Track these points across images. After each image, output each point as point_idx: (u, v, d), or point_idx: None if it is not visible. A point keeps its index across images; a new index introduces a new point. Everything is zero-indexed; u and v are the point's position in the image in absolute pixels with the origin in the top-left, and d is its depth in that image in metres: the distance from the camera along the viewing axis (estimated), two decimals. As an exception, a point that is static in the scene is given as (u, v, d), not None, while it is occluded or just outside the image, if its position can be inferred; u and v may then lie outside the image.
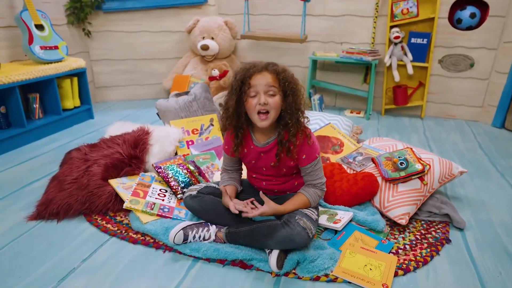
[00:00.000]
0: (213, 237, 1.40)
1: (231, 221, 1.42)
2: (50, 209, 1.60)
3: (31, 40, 2.55)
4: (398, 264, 1.32)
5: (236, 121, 1.32)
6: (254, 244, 1.35)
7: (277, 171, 1.40)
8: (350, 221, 1.55)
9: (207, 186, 1.50)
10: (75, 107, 2.90)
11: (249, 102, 1.26)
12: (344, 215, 1.55)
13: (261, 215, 1.30)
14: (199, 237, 1.39)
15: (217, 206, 1.42)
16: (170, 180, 1.72)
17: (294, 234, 1.24)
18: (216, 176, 1.88)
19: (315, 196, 1.37)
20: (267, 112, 1.26)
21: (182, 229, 1.38)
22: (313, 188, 1.38)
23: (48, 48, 2.65)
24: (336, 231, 1.50)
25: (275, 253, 1.27)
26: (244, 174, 1.57)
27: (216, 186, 1.50)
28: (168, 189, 1.75)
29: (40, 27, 2.62)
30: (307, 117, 1.33)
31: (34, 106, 2.61)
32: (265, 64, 1.27)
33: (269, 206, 1.31)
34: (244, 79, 1.25)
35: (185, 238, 1.38)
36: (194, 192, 1.46)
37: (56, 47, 2.71)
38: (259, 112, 1.26)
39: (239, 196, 1.49)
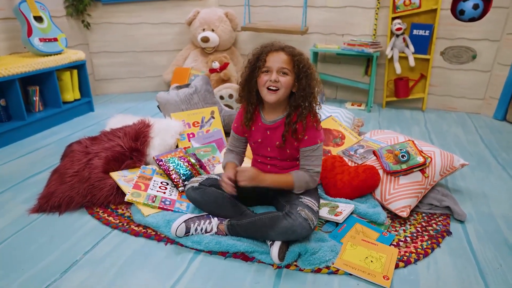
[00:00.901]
0: (215, 230, 1.41)
1: (233, 213, 1.42)
2: (51, 202, 1.60)
3: (30, 32, 2.53)
4: (399, 256, 1.33)
5: (248, 95, 1.37)
6: (256, 236, 1.36)
7: (281, 152, 1.40)
8: (351, 213, 1.55)
9: (209, 178, 1.50)
10: (75, 100, 2.89)
11: (261, 77, 1.31)
12: (345, 207, 1.55)
13: (242, 178, 1.30)
14: (201, 229, 1.40)
15: (219, 198, 1.42)
16: (171, 173, 1.72)
17: (296, 225, 1.25)
18: (217, 169, 1.88)
19: (302, 180, 1.35)
20: (277, 90, 1.30)
21: (184, 221, 1.38)
22: (303, 172, 1.37)
23: (47, 40, 2.63)
24: (337, 224, 1.50)
25: (276, 245, 1.28)
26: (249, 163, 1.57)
27: (218, 177, 1.49)
28: (169, 182, 1.75)
29: (39, 19, 2.60)
30: (319, 104, 1.36)
31: (34, 98, 2.60)
32: (283, 45, 1.31)
33: (253, 171, 1.31)
34: (260, 55, 1.30)
35: (187, 231, 1.38)
36: (196, 184, 1.46)
37: (55, 39, 2.69)
38: (268, 88, 1.30)
39: (240, 189, 1.48)
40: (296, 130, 1.33)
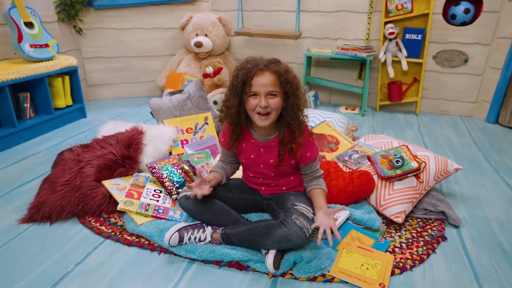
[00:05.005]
0: (208, 239, 1.39)
1: (227, 222, 1.41)
2: (42, 211, 1.57)
3: (20, 38, 2.50)
4: (394, 263, 1.32)
5: (237, 118, 1.30)
6: (251, 245, 1.34)
7: (276, 169, 1.39)
8: (347, 219, 1.54)
9: None
10: (67, 106, 2.86)
11: (249, 102, 1.25)
12: (340, 213, 1.54)
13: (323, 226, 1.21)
14: (195, 238, 1.38)
15: (212, 207, 1.41)
16: (164, 181, 1.70)
17: (291, 234, 1.23)
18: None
19: (323, 184, 1.41)
20: (268, 114, 1.25)
21: (177, 230, 1.36)
22: (320, 179, 1.41)
23: (38, 46, 2.60)
24: (332, 230, 1.49)
25: (271, 253, 1.26)
26: (239, 174, 1.56)
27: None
28: (163, 190, 1.73)
29: (29, 24, 2.57)
30: (306, 115, 1.33)
31: (25, 105, 2.56)
32: (267, 63, 1.23)
33: (324, 212, 1.26)
34: (246, 79, 1.23)
35: (181, 240, 1.36)
36: (189, 193, 1.44)
37: (46, 45, 2.66)
38: (259, 113, 1.25)
39: (233, 193, 1.48)
40: (292, 149, 1.30)
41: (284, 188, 1.45)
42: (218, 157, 2.03)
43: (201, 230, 1.39)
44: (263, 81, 1.21)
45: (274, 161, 1.36)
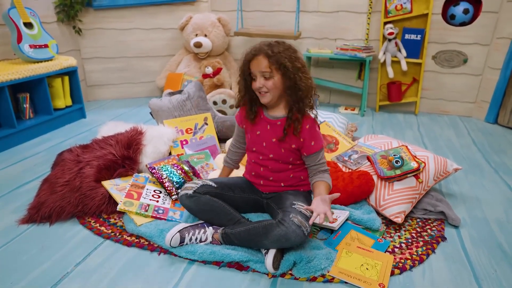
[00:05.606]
0: (210, 239, 1.39)
1: (228, 221, 1.41)
2: (42, 212, 1.57)
3: (20, 38, 2.50)
4: (394, 263, 1.33)
5: (248, 96, 1.41)
6: (250, 244, 1.35)
7: (276, 150, 1.41)
8: (346, 220, 1.54)
9: (204, 185, 1.46)
10: (66, 107, 2.86)
11: (252, 84, 1.36)
12: (340, 214, 1.54)
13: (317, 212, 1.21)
14: (196, 239, 1.38)
15: (214, 206, 1.41)
16: (164, 181, 1.70)
17: (289, 233, 1.23)
18: (212, 175, 1.86)
19: (328, 178, 1.40)
20: (267, 92, 1.34)
21: (178, 231, 1.36)
22: (325, 173, 1.41)
23: (37, 46, 2.60)
24: (332, 231, 1.49)
25: (271, 253, 1.26)
26: (241, 173, 1.56)
27: (213, 184, 1.46)
28: (163, 190, 1.73)
29: (29, 25, 2.57)
30: (312, 98, 1.36)
31: (24, 106, 2.56)
32: (260, 48, 1.32)
33: (320, 199, 1.27)
34: (246, 64, 1.35)
35: (182, 241, 1.36)
36: (190, 192, 1.43)
37: (46, 46, 2.66)
38: (260, 92, 1.35)
39: (234, 192, 1.48)
40: (296, 128, 1.35)
41: (282, 184, 1.46)
42: (218, 157, 2.03)
43: (202, 230, 1.40)
44: (256, 64, 1.31)
45: (276, 139, 1.40)
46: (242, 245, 1.36)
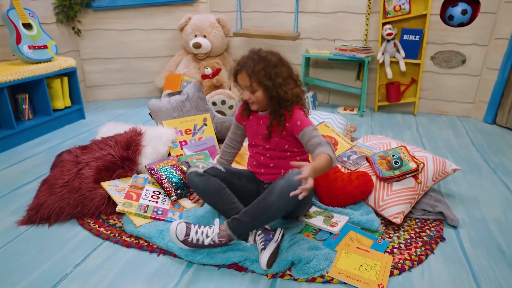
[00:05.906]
0: (217, 230, 1.34)
1: (229, 211, 1.42)
2: (41, 213, 1.57)
3: (19, 39, 2.49)
4: (393, 264, 1.33)
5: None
6: (261, 218, 1.32)
7: (270, 140, 1.46)
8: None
9: (213, 167, 1.49)
10: (65, 107, 2.85)
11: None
12: (340, 218, 1.55)
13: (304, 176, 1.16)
14: (202, 233, 1.34)
15: (221, 191, 1.44)
16: (163, 182, 1.70)
17: (291, 179, 1.24)
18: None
19: (332, 152, 1.30)
20: (253, 102, 1.43)
21: (184, 221, 1.35)
22: (325, 146, 1.31)
23: (36, 47, 2.60)
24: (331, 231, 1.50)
25: (268, 250, 1.28)
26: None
27: (222, 169, 1.51)
28: (162, 191, 1.73)
29: (28, 26, 2.57)
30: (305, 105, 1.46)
31: (24, 107, 2.56)
32: (244, 63, 1.39)
33: (307, 167, 1.21)
34: (234, 76, 1.44)
35: (187, 233, 1.32)
36: (201, 170, 1.45)
37: (45, 47, 2.65)
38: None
39: (240, 181, 1.53)
40: (280, 121, 1.41)
41: (282, 171, 1.48)
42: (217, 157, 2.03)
43: (208, 226, 1.37)
44: (240, 80, 1.42)
45: (268, 131, 1.46)
46: (252, 222, 1.33)
